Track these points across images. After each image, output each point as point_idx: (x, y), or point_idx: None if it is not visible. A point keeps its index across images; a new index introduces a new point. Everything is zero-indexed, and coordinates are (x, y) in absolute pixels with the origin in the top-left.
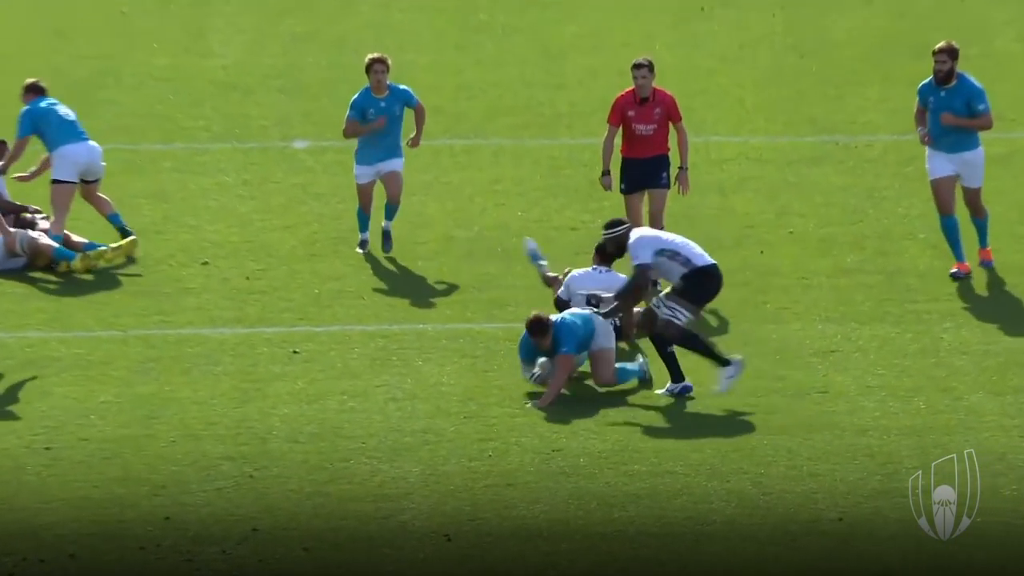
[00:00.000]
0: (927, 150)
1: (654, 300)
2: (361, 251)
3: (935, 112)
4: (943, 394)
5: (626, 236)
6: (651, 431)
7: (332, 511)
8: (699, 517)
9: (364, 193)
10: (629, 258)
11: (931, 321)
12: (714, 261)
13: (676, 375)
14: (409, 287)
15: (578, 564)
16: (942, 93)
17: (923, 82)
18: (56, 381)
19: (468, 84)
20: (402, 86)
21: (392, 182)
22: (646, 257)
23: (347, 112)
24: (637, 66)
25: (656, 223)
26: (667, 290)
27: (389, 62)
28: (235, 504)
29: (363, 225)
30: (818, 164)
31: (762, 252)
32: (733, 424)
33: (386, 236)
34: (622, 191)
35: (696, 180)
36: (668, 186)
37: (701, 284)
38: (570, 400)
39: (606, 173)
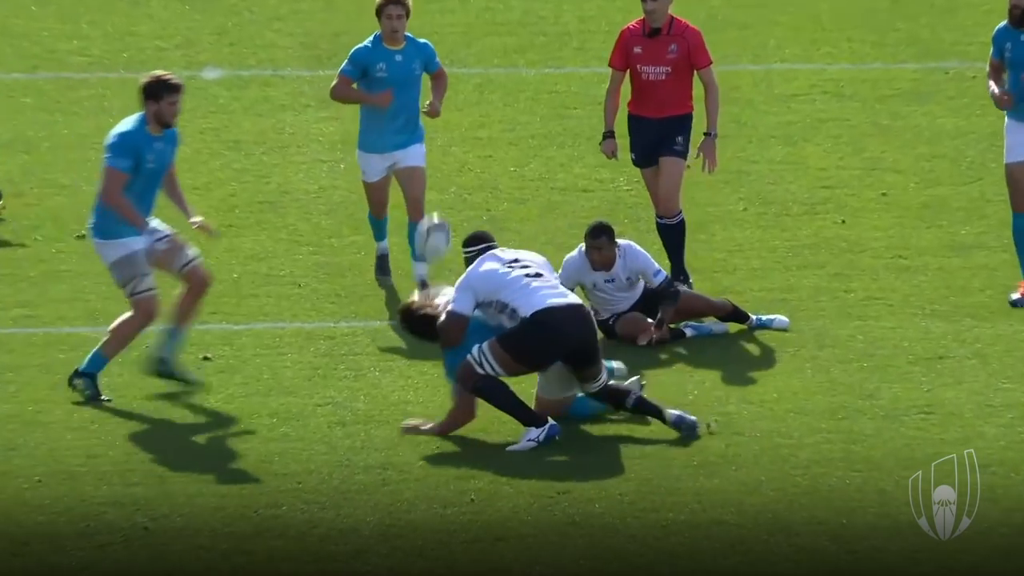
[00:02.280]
0: (1006, 118)
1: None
2: (381, 276)
3: (1016, 65)
4: None
5: (472, 260)
6: (689, 467)
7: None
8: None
9: (376, 193)
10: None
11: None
12: (564, 302)
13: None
14: (361, 271)
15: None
16: (1023, 38)
17: (999, 25)
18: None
19: None
20: (423, 40)
21: (412, 181)
22: (461, 304)
23: (342, 65)
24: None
25: (667, 203)
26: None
27: (410, 3)
28: (124, 567)
29: (379, 233)
30: (921, 101)
31: (843, 221)
32: (802, 457)
33: (421, 283)
34: (633, 162)
35: (754, 123)
36: (684, 155)
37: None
38: (576, 426)
39: (609, 135)
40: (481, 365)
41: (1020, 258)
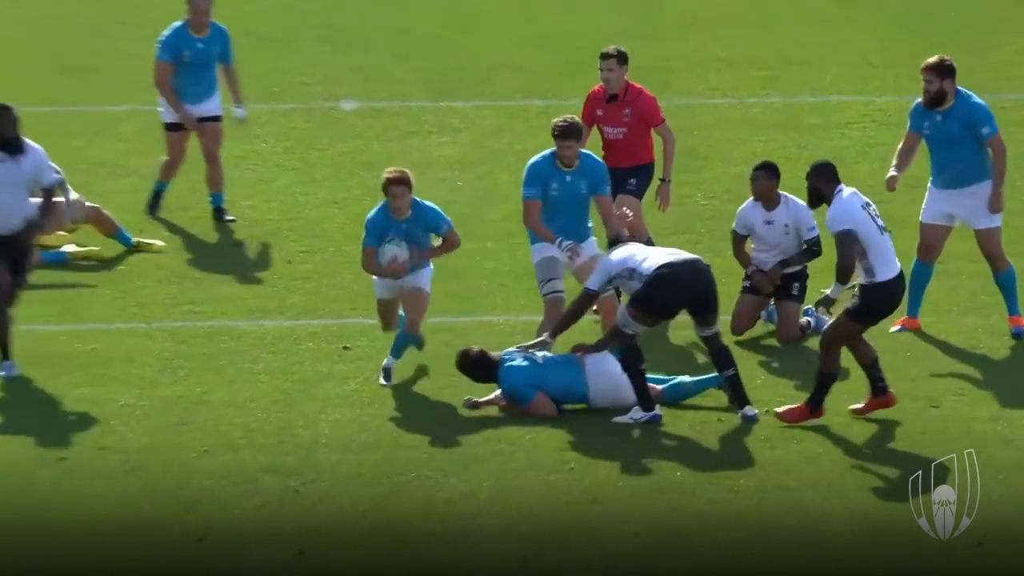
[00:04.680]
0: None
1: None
2: (385, 382)
3: (933, 143)
4: None
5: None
6: (756, 441)
7: (391, 531)
8: (815, 539)
9: (385, 312)
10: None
11: None
12: (681, 258)
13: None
14: (477, 272)
15: None
16: (937, 117)
17: (913, 103)
18: (70, 381)
19: (544, 35)
20: (429, 203)
21: (414, 302)
22: (594, 283)
23: (364, 238)
24: (604, 56)
25: (637, 237)
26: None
27: (412, 180)
28: (279, 523)
29: (393, 350)
30: None
31: (889, 231)
32: (853, 434)
33: (386, 373)
34: None
35: (814, 146)
36: (637, 194)
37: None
38: (662, 408)
39: None
40: (627, 327)
41: (911, 296)
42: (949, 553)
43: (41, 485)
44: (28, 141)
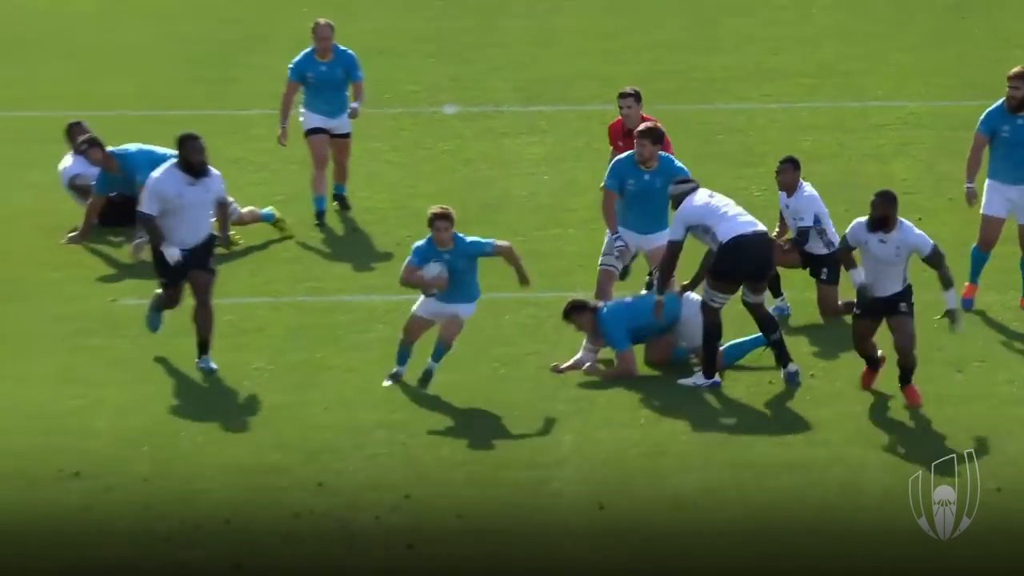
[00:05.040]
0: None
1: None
2: (389, 383)
3: (1011, 143)
4: None
5: (683, 197)
6: (802, 402)
7: (484, 478)
8: (855, 486)
9: (412, 327)
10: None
11: None
12: (751, 230)
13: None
14: (560, 255)
15: (731, 533)
16: (1019, 121)
17: (990, 108)
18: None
19: (618, 49)
20: (469, 237)
21: (450, 324)
22: (675, 233)
23: (410, 259)
24: (622, 95)
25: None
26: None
27: (454, 216)
28: (388, 471)
29: (401, 358)
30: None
31: (920, 219)
32: (885, 394)
33: (395, 377)
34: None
35: (854, 146)
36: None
37: (730, 258)
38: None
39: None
40: (713, 300)
41: (974, 273)
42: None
43: (185, 438)
44: (209, 167)
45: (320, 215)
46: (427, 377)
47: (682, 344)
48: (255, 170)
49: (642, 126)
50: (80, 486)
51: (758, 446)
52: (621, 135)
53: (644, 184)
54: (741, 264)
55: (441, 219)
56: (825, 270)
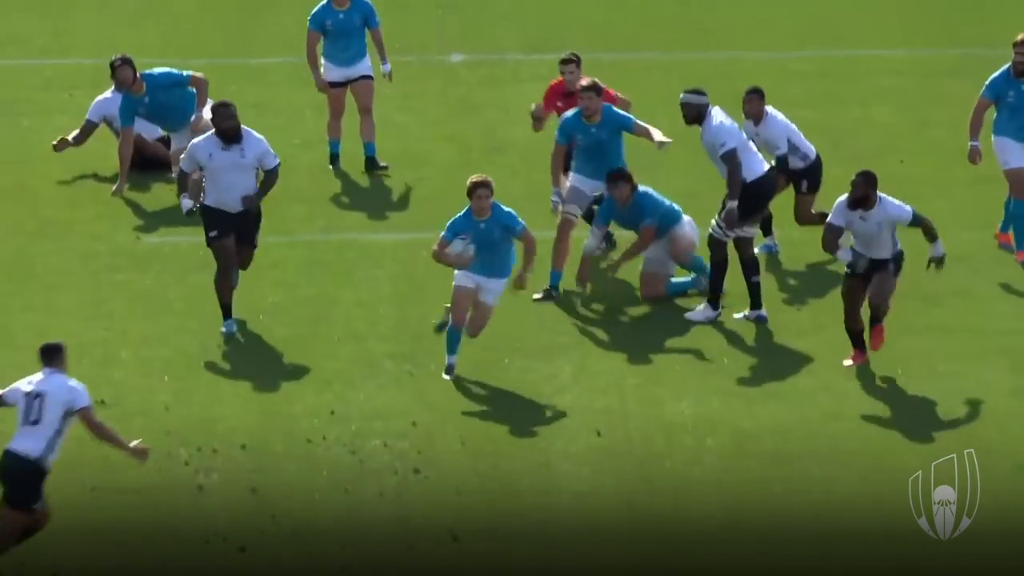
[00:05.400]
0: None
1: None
2: (448, 376)
3: (1016, 107)
4: None
5: (703, 110)
6: (791, 334)
7: (487, 406)
8: (836, 414)
9: (459, 301)
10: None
11: None
12: (766, 169)
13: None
14: None
15: (728, 454)
16: (1023, 86)
17: (994, 74)
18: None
19: (614, 1)
20: (506, 208)
21: (481, 314)
22: (731, 143)
23: (443, 234)
24: (564, 62)
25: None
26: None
27: (493, 185)
28: (396, 399)
29: (451, 346)
30: (957, 76)
31: (902, 162)
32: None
33: (449, 369)
34: None
35: (839, 93)
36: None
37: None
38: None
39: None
40: (727, 235)
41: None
42: (947, 424)
43: (205, 367)
44: (249, 131)
45: (334, 158)
46: (450, 371)
47: (672, 280)
48: (273, 115)
49: (584, 81)
50: (105, 413)
51: (747, 375)
52: (561, 96)
53: (592, 137)
54: (761, 204)
55: (482, 187)
56: (804, 182)
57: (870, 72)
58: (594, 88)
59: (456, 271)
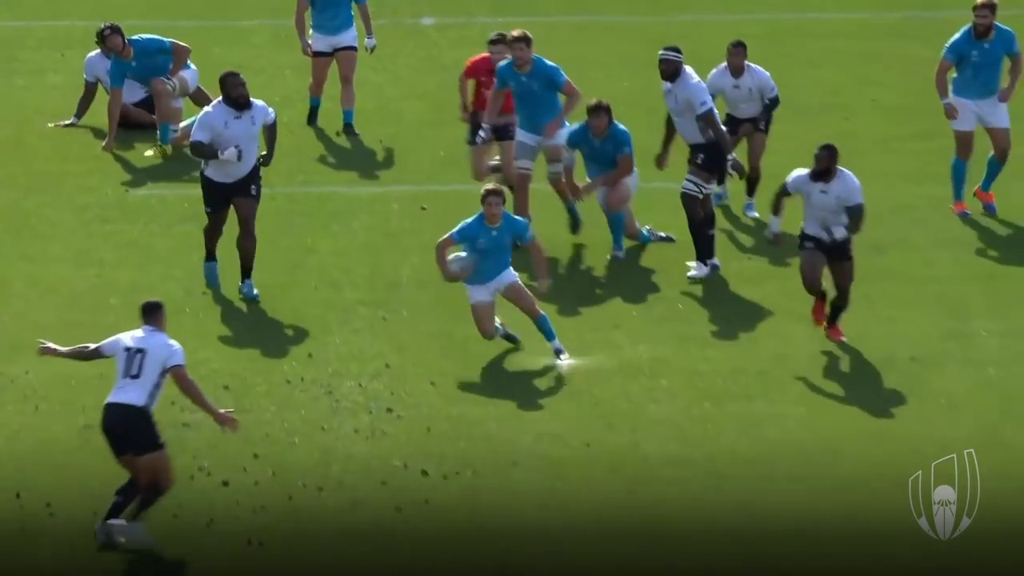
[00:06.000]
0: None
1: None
2: (562, 359)
3: (979, 65)
4: (1019, 245)
5: (679, 67)
6: (741, 281)
7: (457, 350)
8: (784, 357)
9: (481, 319)
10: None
11: (1005, 181)
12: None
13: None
14: None
15: (682, 394)
16: (985, 45)
17: (955, 37)
18: (203, 232)
19: None
20: (517, 218)
21: (518, 294)
22: (709, 102)
23: (452, 234)
24: (493, 42)
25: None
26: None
27: (504, 194)
28: (370, 343)
29: (504, 337)
30: (898, 37)
31: (846, 119)
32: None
33: (558, 353)
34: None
35: (787, 54)
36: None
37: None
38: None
39: None
40: (704, 189)
41: (958, 186)
42: (889, 367)
43: (189, 312)
44: (252, 99)
45: (313, 113)
46: (561, 353)
47: (644, 231)
48: (254, 74)
49: (515, 32)
50: None
51: (700, 321)
52: (485, 71)
53: (523, 86)
54: (722, 161)
55: (494, 195)
56: (763, 123)
57: (817, 34)
58: (524, 39)
59: (471, 288)
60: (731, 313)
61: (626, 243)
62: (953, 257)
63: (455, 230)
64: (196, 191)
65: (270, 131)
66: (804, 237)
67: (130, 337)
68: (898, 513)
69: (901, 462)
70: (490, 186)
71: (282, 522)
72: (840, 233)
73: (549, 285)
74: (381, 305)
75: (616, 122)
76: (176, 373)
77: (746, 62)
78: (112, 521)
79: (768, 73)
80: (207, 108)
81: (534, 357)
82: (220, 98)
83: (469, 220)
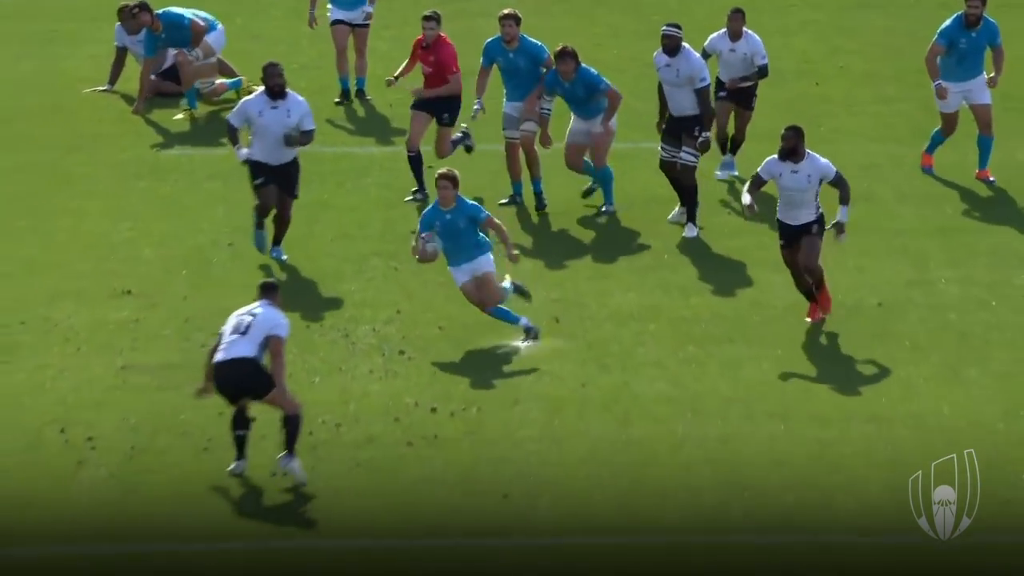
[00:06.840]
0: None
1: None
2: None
3: (966, 52)
4: (975, 201)
5: (680, 42)
6: (723, 235)
7: (463, 298)
8: (760, 302)
9: (469, 296)
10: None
11: (960, 140)
12: None
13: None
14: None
15: (668, 337)
16: (973, 34)
17: (946, 23)
18: (228, 189)
19: None
20: (470, 200)
21: (488, 297)
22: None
23: (418, 227)
24: (426, 19)
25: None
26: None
27: (457, 178)
28: (383, 291)
29: (508, 320)
30: (866, 9)
31: (817, 84)
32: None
33: (533, 333)
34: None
35: (762, 24)
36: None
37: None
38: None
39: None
40: (697, 159)
41: (933, 144)
42: (857, 313)
43: (215, 263)
44: (294, 94)
45: (344, 94)
46: (530, 331)
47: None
48: (273, 43)
49: (506, 11)
50: (131, 302)
51: (683, 271)
52: (418, 48)
53: (511, 62)
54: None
55: (442, 179)
56: (750, 99)
57: (789, 6)
58: (513, 17)
59: (452, 271)
60: (713, 264)
61: (616, 201)
62: (915, 211)
63: (419, 222)
64: (220, 151)
65: (304, 136)
66: (779, 232)
67: (245, 308)
68: (866, 446)
69: (869, 399)
70: (442, 170)
71: (303, 456)
72: (809, 218)
73: (517, 254)
74: (393, 256)
75: (584, 65)
76: (274, 343)
77: (744, 28)
78: (283, 461)
79: (761, 40)
80: (248, 96)
81: (533, 308)
82: (261, 88)
83: (427, 209)
